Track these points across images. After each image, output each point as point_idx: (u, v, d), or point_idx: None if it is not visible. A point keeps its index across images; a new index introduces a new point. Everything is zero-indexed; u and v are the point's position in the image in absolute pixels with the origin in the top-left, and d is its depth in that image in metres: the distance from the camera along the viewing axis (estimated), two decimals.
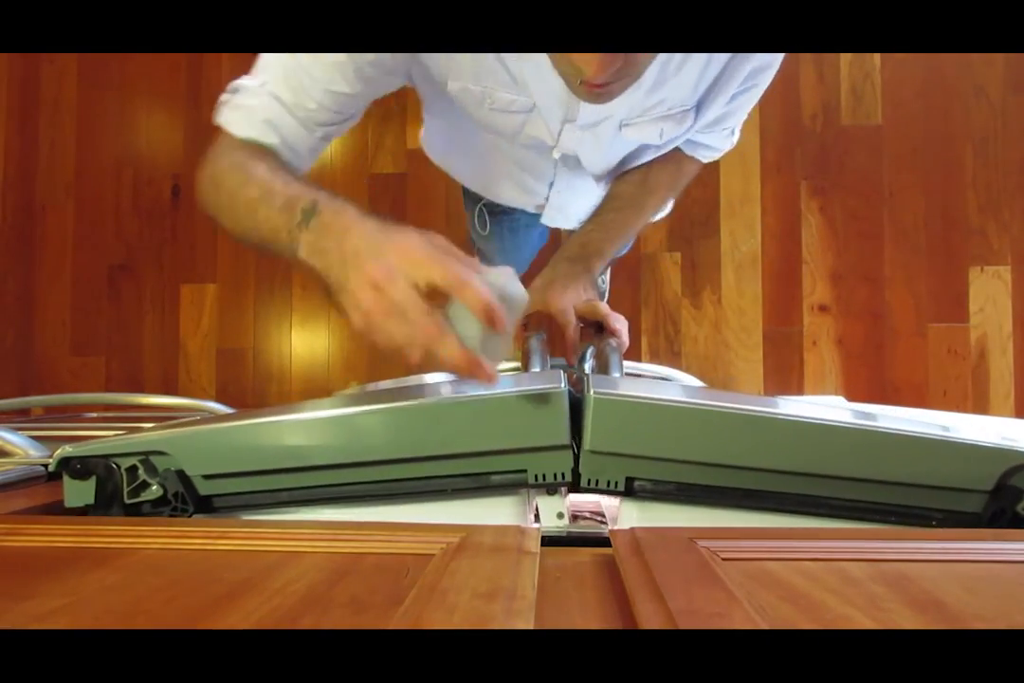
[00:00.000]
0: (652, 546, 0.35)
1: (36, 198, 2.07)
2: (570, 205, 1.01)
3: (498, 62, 0.70)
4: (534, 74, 0.71)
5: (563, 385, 0.49)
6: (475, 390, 0.50)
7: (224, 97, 0.70)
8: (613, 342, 0.76)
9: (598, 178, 0.90)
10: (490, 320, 0.45)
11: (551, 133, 0.79)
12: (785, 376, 1.85)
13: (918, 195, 1.87)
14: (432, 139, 1.04)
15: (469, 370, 0.46)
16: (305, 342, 1.99)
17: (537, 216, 1.06)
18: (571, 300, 0.80)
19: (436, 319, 0.45)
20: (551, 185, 0.96)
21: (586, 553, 0.41)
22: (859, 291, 1.87)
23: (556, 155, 0.85)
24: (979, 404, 1.83)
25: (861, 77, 1.90)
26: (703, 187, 1.92)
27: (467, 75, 0.71)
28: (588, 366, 0.72)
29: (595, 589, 0.34)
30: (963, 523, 0.49)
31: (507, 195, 1.06)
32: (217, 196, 0.66)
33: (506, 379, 0.53)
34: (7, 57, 2.09)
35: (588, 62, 0.52)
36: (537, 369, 0.69)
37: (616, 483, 0.49)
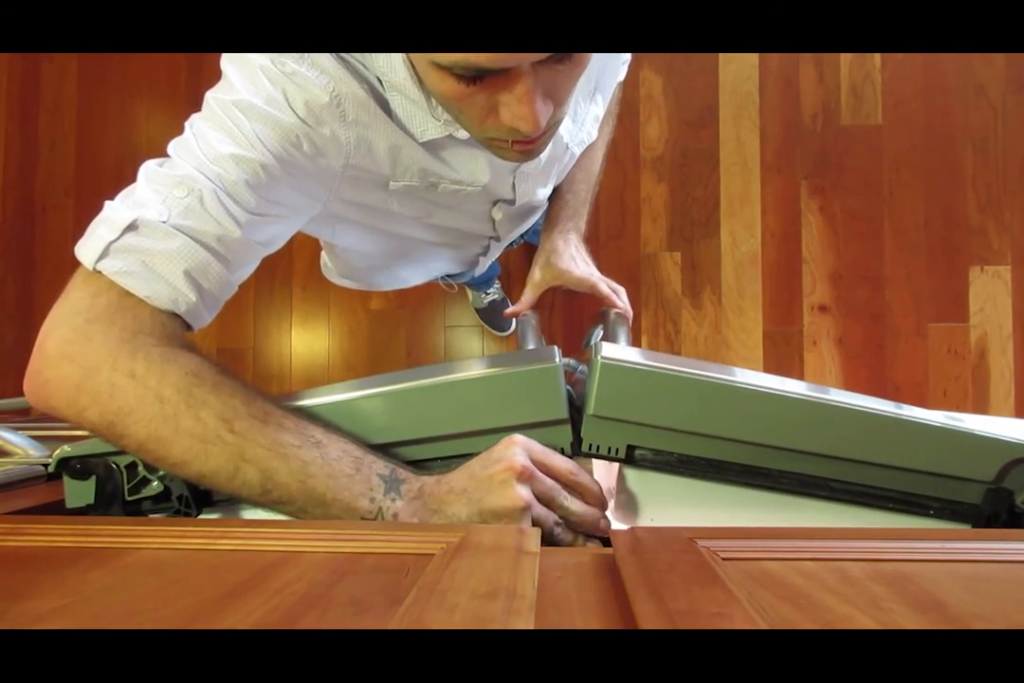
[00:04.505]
0: (652, 546, 0.35)
1: (36, 198, 2.07)
2: (512, 236, 0.98)
3: (440, 162, 0.66)
4: (472, 166, 0.68)
5: (558, 360, 0.49)
6: (471, 370, 0.50)
7: (102, 233, 0.51)
8: (620, 314, 0.78)
9: (543, 199, 0.87)
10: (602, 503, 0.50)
11: (504, 192, 0.77)
12: (785, 376, 1.85)
13: (918, 195, 1.87)
14: (343, 266, 0.98)
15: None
16: (305, 342, 1.99)
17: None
18: (582, 269, 0.83)
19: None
20: (487, 246, 0.95)
21: (586, 553, 0.41)
22: (859, 291, 1.87)
23: (497, 216, 0.80)
24: (979, 404, 1.83)
25: (861, 77, 1.90)
26: (703, 187, 1.92)
27: (412, 173, 0.66)
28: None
29: (595, 589, 0.34)
30: (961, 514, 0.49)
31: (445, 268, 1.05)
32: (161, 430, 0.48)
33: (502, 357, 0.53)
34: (7, 57, 2.09)
35: (523, 117, 0.50)
36: (531, 347, 0.69)
37: (617, 450, 0.50)
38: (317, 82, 0.55)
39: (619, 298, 0.83)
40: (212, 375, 0.50)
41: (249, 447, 0.47)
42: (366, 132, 0.60)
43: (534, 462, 0.47)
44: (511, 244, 1.04)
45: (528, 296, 0.85)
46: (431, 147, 0.65)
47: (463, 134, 0.62)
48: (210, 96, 0.57)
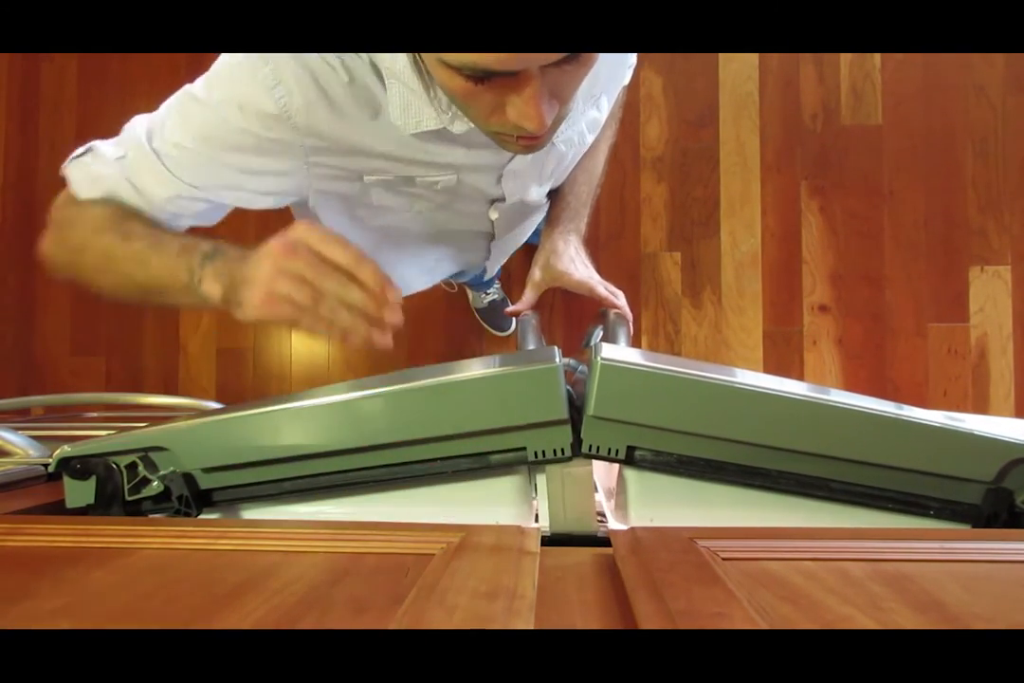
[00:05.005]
0: (652, 546, 0.35)
1: (36, 198, 2.06)
2: (511, 243, 1.00)
3: (415, 153, 0.67)
4: (455, 161, 0.69)
5: (558, 360, 0.49)
6: (471, 370, 0.50)
7: (77, 151, 0.69)
8: (620, 314, 0.78)
9: (541, 200, 0.87)
10: (383, 292, 0.50)
11: (490, 190, 0.77)
12: (785, 376, 1.85)
13: (918, 195, 1.87)
14: None
15: (381, 294, 0.50)
16: (305, 342, 1.99)
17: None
18: (581, 272, 0.83)
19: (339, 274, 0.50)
20: (489, 245, 0.95)
21: (586, 553, 0.41)
22: (859, 291, 1.87)
23: (493, 216, 0.82)
24: (979, 404, 1.83)
25: (861, 77, 1.90)
26: (703, 187, 1.92)
27: (384, 170, 0.68)
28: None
29: (595, 589, 0.34)
30: (960, 514, 0.49)
31: (447, 270, 1.04)
32: (81, 257, 0.66)
33: (502, 357, 0.53)
34: (7, 57, 2.09)
35: (529, 118, 0.51)
36: (531, 347, 0.69)
37: (617, 451, 0.49)
38: (271, 94, 0.59)
39: (617, 300, 0.83)
40: (99, 223, 0.65)
41: (115, 264, 0.63)
42: (320, 142, 0.63)
43: (311, 250, 0.50)
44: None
45: (528, 296, 0.85)
46: (408, 143, 0.65)
47: (458, 128, 0.63)
48: (191, 84, 0.64)
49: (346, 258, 0.50)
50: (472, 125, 0.61)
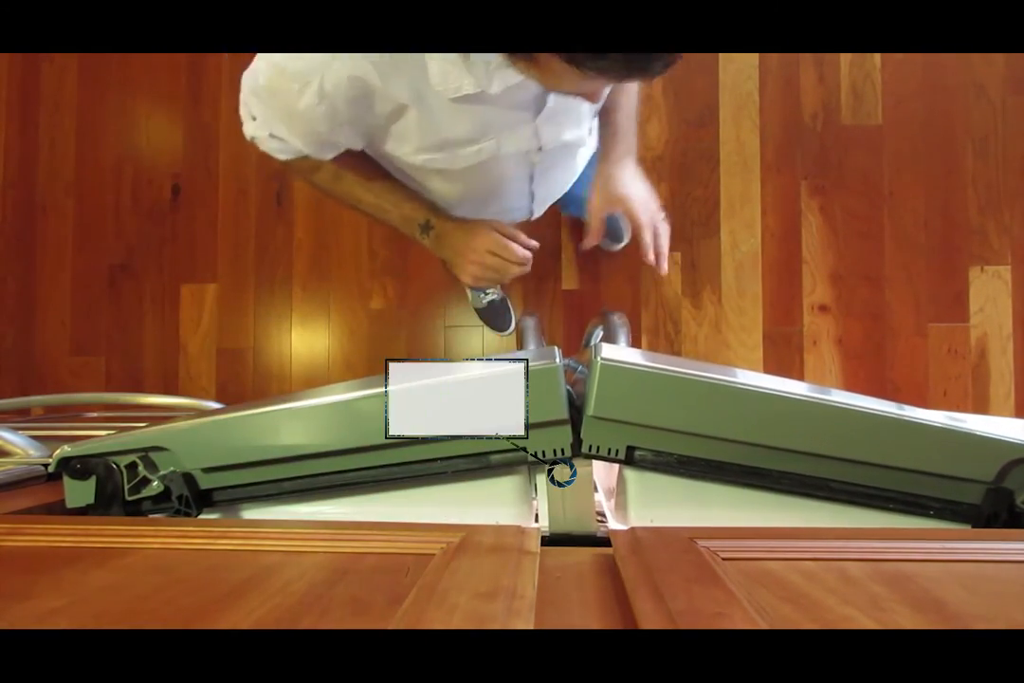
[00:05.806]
0: (652, 546, 0.35)
1: (36, 198, 2.06)
2: (554, 181, 1.03)
3: (456, 124, 0.74)
4: (493, 122, 0.75)
5: (558, 360, 0.49)
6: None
7: (249, 136, 0.86)
8: (620, 317, 0.80)
9: (579, 138, 0.91)
10: (525, 261, 0.82)
11: (529, 143, 0.82)
12: (785, 376, 1.84)
13: (918, 195, 1.87)
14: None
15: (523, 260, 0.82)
16: (305, 342, 1.99)
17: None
18: (639, 193, 0.86)
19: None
20: (531, 187, 0.99)
21: (586, 553, 0.41)
22: (859, 291, 1.87)
23: (535, 159, 0.87)
24: (979, 404, 1.83)
25: (861, 77, 1.90)
26: (703, 187, 1.92)
27: (428, 146, 0.77)
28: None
29: (595, 589, 0.34)
30: (961, 514, 0.49)
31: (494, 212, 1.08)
32: (330, 195, 0.90)
33: (502, 358, 0.53)
34: (7, 57, 2.09)
35: (592, 100, 0.65)
36: (532, 347, 0.69)
37: (617, 451, 0.49)
38: (320, 108, 0.71)
39: (658, 241, 0.86)
40: (337, 174, 0.86)
41: (362, 207, 0.87)
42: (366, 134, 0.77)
43: (484, 247, 0.81)
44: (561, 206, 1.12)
45: (594, 224, 0.88)
46: (450, 111, 0.72)
47: (496, 88, 0.69)
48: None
49: (501, 249, 0.80)
50: (508, 85, 0.68)
